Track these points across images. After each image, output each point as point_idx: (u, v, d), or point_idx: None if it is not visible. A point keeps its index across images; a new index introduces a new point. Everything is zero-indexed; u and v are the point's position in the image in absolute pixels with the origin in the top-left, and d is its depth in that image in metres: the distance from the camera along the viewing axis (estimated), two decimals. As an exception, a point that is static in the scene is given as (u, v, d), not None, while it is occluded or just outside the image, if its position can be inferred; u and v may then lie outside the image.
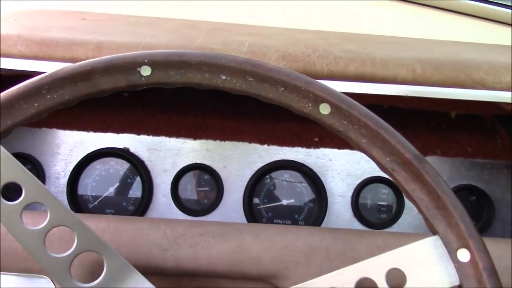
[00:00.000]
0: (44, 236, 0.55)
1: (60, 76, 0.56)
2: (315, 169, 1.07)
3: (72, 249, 0.56)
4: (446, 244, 0.51)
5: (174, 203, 1.05)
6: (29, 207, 0.59)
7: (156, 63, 0.57)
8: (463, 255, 0.50)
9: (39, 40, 0.75)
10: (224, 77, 0.57)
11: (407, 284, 0.52)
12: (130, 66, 0.56)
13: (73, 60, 0.58)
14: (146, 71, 0.57)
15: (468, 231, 0.50)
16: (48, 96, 0.56)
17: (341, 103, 0.55)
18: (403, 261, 0.52)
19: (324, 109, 0.56)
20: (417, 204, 0.53)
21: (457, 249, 0.51)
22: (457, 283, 0.50)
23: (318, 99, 0.55)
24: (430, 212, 0.52)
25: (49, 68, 0.62)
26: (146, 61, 0.56)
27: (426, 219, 0.53)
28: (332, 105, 0.55)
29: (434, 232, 0.53)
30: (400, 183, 0.54)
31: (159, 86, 0.58)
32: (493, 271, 0.48)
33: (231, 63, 0.56)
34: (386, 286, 0.52)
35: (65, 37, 0.76)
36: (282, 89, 0.56)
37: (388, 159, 0.54)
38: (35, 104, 0.55)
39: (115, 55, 0.57)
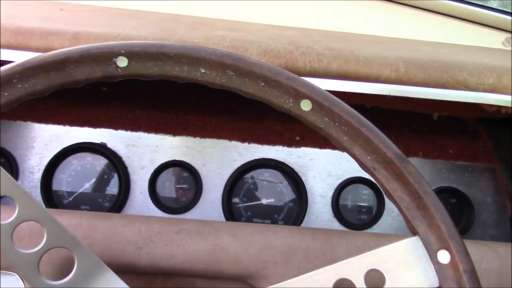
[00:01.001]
0: (12, 231, 0.53)
1: (33, 65, 0.54)
2: (296, 169, 1.06)
3: (41, 245, 0.54)
4: (426, 245, 0.50)
5: (152, 200, 1.03)
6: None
7: (133, 54, 0.55)
8: (443, 256, 0.49)
9: (14, 29, 0.73)
10: (203, 71, 0.55)
11: (386, 286, 0.50)
12: (106, 56, 0.54)
13: (48, 51, 0.56)
14: (122, 62, 0.55)
15: (449, 233, 0.49)
16: (19, 86, 0.54)
17: (322, 99, 0.53)
18: (382, 262, 0.51)
19: (305, 105, 0.54)
20: (398, 204, 0.52)
21: (437, 250, 0.50)
22: (436, 285, 0.49)
23: (299, 95, 0.54)
24: (410, 213, 0.51)
25: (23, 58, 0.60)
26: (122, 51, 0.54)
27: (406, 220, 0.52)
28: (313, 101, 0.54)
29: (414, 233, 0.52)
30: (381, 182, 0.53)
31: (136, 78, 0.56)
32: (473, 274, 0.47)
33: (211, 56, 0.54)
34: (365, 287, 0.51)
35: (41, 27, 0.73)
36: (263, 84, 0.55)
37: (369, 157, 0.53)
38: (5, 94, 0.53)
39: (91, 44, 0.55)
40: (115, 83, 1.04)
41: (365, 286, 0.51)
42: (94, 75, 0.55)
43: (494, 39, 0.95)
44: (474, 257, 0.71)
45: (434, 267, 0.50)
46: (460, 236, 0.49)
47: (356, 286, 0.51)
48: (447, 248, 0.49)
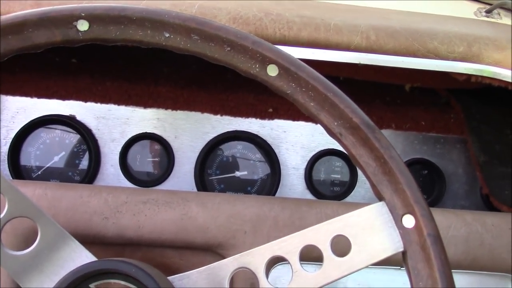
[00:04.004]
0: (-30, 200, 0.51)
1: (-12, 28, 0.52)
2: (269, 141, 1.05)
3: (2, 214, 0.53)
4: (392, 210, 0.50)
5: (123, 173, 1.01)
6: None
7: (94, 17, 0.53)
8: (408, 221, 0.49)
9: (-28, -6, 0.70)
10: (167, 35, 0.54)
11: (352, 251, 0.50)
12: (66, 19, 0.53)
13: (8, 15, 0.54)
14: (83, 25, 0.53)
15: (414, 197, 0.49)
16: (-25, 49, 0.52)
17: (289, 64, 0.52)
18: (348, 227, 0.51)
19: (272, 70, 0.53)
20: (364, 169, 0.51)
21: (403, 215, 0.50)
22: (401, 249, 0.50)
23: (265, 60, 0.53)
24: (377, 178, 0.51)
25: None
26: (83, 14, 0.53)
27: (373, 185, 0.52)
28: (280, 66, 0.53)
29: (380, 198, 0.51)
30: (348, 148, 0.52)
31: (98, 42, 0.54)
32: (437, 238, 0.47)
33: (175, 19, 0.53)
34: (331, 253, 0.51)
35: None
36: (229, 49, 0.54)
37: (336, 123, 0.52)
38: (-40, 57, 0.51)
39: (50, 7, 0.53)
40: (85, 54, 1.02)
41: (331, 252, 0.51)
42: (54, 39, 0.53)
43: (467, 10, 0.94)
44: (441, 224, 0.72)
45: (399, 232, 0.50)
46: (425, 200, 0.49)
47: (323, 252, 0.51)
48: (412, 212, 0.49)
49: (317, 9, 0.83)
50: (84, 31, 0.53)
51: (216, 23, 0.54)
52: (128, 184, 1.02)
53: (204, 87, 1.05)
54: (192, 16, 0.53)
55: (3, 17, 0.52)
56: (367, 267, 0.50)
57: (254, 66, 0.54)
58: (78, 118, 1.01)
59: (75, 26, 0.53)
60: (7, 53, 0.53)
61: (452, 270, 0.48)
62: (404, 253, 0.49)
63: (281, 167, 1.05)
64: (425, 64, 0.75)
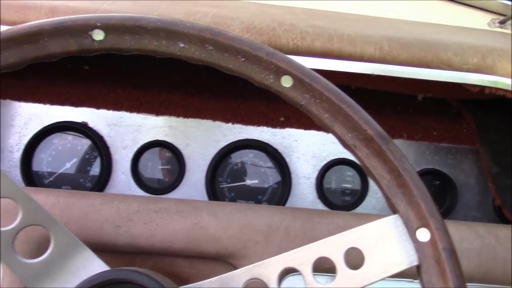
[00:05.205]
0: (-16, 208, 0.52)
1: (5, 37, 0.52)
2: (280, 150, 1.05)
3: (16, 222, 0.53)
4: (406, 223, 0.50)
5: (134, 180, 1.02)
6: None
7: (109, 27, 0.53)
8: (423, 234, 0.49)
9: (-11, 2, 0.71)
10: (182, 45, 0.54)
11: (365, 264, 0.50)
12: (81, 29, 0.53)
13: (24, 24, 0.55)
14: (98, 35, 0.53)
15: (428, 211, 0.48)
16: (-9, 58, 0.52)
17: (303, 75, 0.52)
18: (362, 240, 0.51)
19: (286, 81, 0.53)
20: (378, 182, 0.51)
21: (417, 228, 0.49)
22: (415, 263, 0.49)
23: (280, 71, 0.53)
24: (391, 190, 0.50)
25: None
26: (98, 24, 0.53)
27: (387, 198, 0.51)
28: (294, 77, 0.53)
29: (394, 211, 0.51)
30: (362, 160, 0.52)
31: (113, 52, 0.55)
32: (452, 252, 0.47)
33: (190, 30, 0.53)
34: (344, 265, 0.51)
35: (17, 0, 0.71)
36: (243, 59, 0.54)
37: (350, 135, 0.52)
38: (-24, 66, 0.52)
39: (66, 17, 0.53)
40: (97, 61, 1.02)
41: (344, 265, 0.51)
42: (69, 49, 0.54)
43: (480, 20, 0.94)
44: (454, 237, 0.71)
45: (414, 245, 0.49)
46: (439, 214, 0.49)
47: (336, 264, 0.51)
48: (427, 226, 0.48)
49: (329, 19, 0.83)
50: (100, 40, 0.53)
51: (230, 33, 0.54)
52: (139, 191, 1.02)
53: (215, 95, 1.05)
54: (206, 26, 0.54)
55: (18, 26, 0.53)
56: (381, 280, 0.50)
57: (268, 77, 0.54)
58: (90, 125, 1.02)
59: (91, 35, 0.53)
60: (23, 62, 0.53)
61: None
62: (418, 267, 0.49)
63: (292, 176, 1.04)
64: (438, 75, 0.74)
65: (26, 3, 0.71)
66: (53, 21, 0.53)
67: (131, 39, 0.54)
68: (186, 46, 0.54)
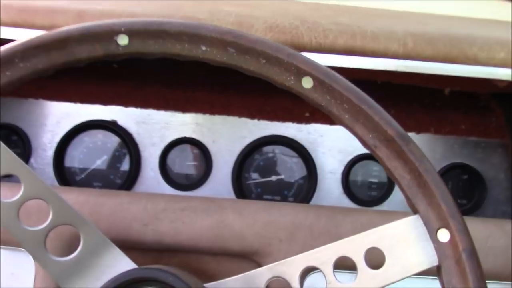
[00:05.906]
0: (18, 209, 0.54)
1: (34, 44, 0.54)
2: (306, 145, 1.05)
3: (47, 222, 0.55)
4: (426, 223, 0.50)
5: (162, 177, 1.04)
6: (6, 179, 0.57)
7: (133, 32, 0.55)
8: (443, 235, 0.49)
9: (19, 7, 0.73)
10: (204, 48, 0.55)
11: (386, 264, 0.51)
12: (106, 34, 0.54)
13: (52, 28, 0.56)
14: (123, 40, 0.55)
15: (449, 211, 0.48)
16: (21, 65, 0.54)
17: (324, 76, 0.53)
18: (383, 240, 0.51)
19: (307, 82, 0.54)
20: (399, 182, 0.51)
21: (437, 229, 0.49)
22: (436, 263, 0.49)
23: (300, 72, 0.53)
24: (411, 191, 0.51)
25: (28, 36, 0.60)
26: (123, 29, 0.54)
27: (407, 198, 0.52)
28: (314, 78, 0.53)
29: (415, 211, 0.51)
30: (382, 160, 0.52)
31: (137, 56, 0.56)
32: (473, 253, 0.47)
33: (212, 33, 0.54)
34: (365, 265, 0.51)
35: (45, 4, 0.73)
36: (264, 61, 0.54)
37: (370, 135, 0.53)
38: (7, 73, 0.54)
39: (91, 22, 0.55)
40: (124, 60, 1.04)
41: (365, 265, 0.51)
42: (96, 54, 0.55)
43: (506, 11, 0.92)
44: (480, 234, 0.71)
45: (434, 246, 0.50)
46: (460, 214, 0.49)
47: (356, 264, 0.52)
48: (447, 226, 0.49)
49: (354, 15, 0.83)
50: (125, 45, 0.55)
51: (252, 36, 0.54)
52: (167, 187, 1.04)
53: (240, 92, 1.06)
54: (229, 29, 0.54)
55: (46, 33, 0.55)
56: (401, 280, 0.50)
57: (289, 78, 0.54)
58: (119, 123, 1.04)
59: (116, 40, 0.55)
60: (51, 68, 0.55)
61: (491, 281, 0.48)
62: (438, 267, 0.49)
63: (318, 171, 1.05)
64: (464, 70, 0.73)
65: (54, 7, 0.73)
66: (80, 27, 0.54)
67: (154, 43, 0.55)
68: (208, 49, 0.55)
